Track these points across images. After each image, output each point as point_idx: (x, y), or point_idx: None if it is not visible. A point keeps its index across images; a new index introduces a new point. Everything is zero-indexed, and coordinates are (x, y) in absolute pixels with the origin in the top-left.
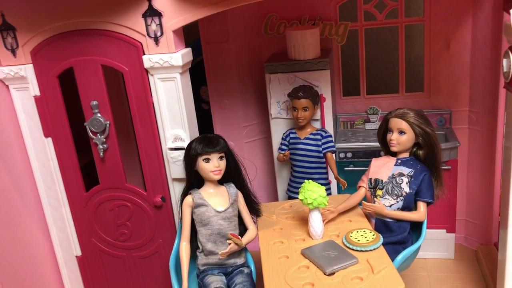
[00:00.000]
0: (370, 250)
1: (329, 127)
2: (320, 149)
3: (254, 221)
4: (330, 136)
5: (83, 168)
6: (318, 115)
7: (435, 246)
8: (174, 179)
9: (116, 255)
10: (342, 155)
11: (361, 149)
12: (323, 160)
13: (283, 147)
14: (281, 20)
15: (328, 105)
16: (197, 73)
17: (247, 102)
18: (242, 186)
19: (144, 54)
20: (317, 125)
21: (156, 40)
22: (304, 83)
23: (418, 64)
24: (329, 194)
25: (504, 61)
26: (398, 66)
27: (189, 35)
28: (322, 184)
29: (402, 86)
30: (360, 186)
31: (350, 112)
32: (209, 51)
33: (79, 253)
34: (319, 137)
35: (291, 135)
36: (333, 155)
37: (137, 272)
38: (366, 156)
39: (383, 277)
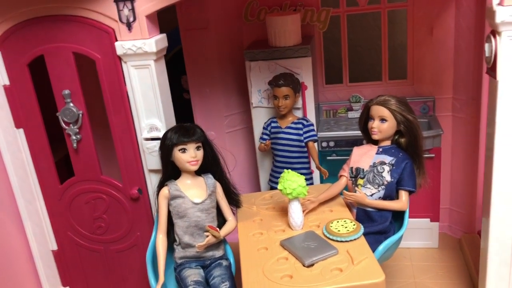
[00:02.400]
0: (351, 240)
1: (311, 116)
2: (302, 138)
3: (234, 212)
4: (312, 125)
5: (62, 160)
6: (299, 104)
7: (419, 235)
8: (151, 171)
9: (93, 248)
10: (324, 144)
11: (344, 138)
12: (305, 149)
13: (264, 136)
14: (261, 6)
15: (310, 93)
16: (178, 62)
17: (229, 91)
18: (220, 176)
19: (116, 40)
20: (299, 113)
21: (129, 25)
22: (285, 70)
23: (402, 51)
24: (311, 183)
25: (486, 46)
26: (381, 53)
27: (169, 23)
28: (304, 174)
29: (385, 74)
30: (341, 175)
31: (333, 101)
32: (188, 38)
33: (55, 247)
34: (300, 126)
35: (272, 124)
36: (315, 144)
37: (115, 266)
38: (348, 145)
39: (363, 268)
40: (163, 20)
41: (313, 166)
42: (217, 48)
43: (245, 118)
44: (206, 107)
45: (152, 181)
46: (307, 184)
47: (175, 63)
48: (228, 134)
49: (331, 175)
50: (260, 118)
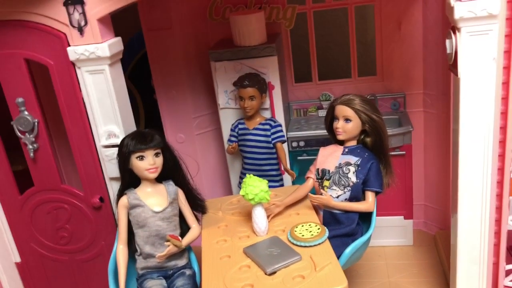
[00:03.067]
0: (315, 245)
1: (280, 116)
2: (270, 139)
3: (199, 219)
4: (280, 125)
5: (25, 170)
6: (267, 104)
7: (393, 233)
8: (112, 178)
9: (58, 259)
10: (294, 144)
11: (314, 137)
12: (274, 150)
13: (232, 138)
14: (226, 4)
15: (277, 93)
16: (147, 63)
17: (196, 92)
18: (182, 183)
19: (69, 45)
20: (267, 114)
21: (81, 30)
22: (251, 70)
23: (371, 48)
24: (281, 185)
25: (447, 42)
26: (350, 50)
27: (137, 25)
28: (273, 175)
29: (355, 71)
30: (308, 177)
31: (303, 99)
32: (152, 39)
33: (18, 259)
34: (268, 127)
35: (240, 126)
36: (283, 145)
37: (82, 276)
38: (319, 145)
39: (326, 274)
40: (130, 22)
41: (283, 167)
42: (183, 48)
43: (214, 120)
44: (174, 109)
45: (114, 189)
46: (277, 186)
47: (144, 64)
48: (197, 136)
49: (302, 176)
50: (228, 119)
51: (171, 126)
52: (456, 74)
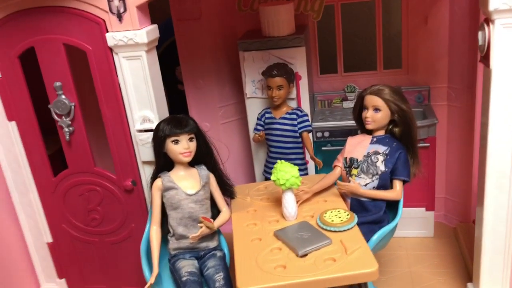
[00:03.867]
0: (344, 230)
1: (306, 106)
2: (296, 128)
3: (228, 204)
4: (306, 115)
5: (57, 153)
6: (294, 94)
7: (414, 224)
8: (144, 162)
9: (88, 241)
10: (319, 134)
11: (339, 128)
12: (299, 140)
13: (258, 127)
14: None
15: (304, 84)
16: (171, 53)
17: (223, 81)
18: (214, 168)
19: (107, 31)
20: (293, 104)
21: (119, 16)
22: (279, 60)
23: (397, 41)
24: (305, 174)
25: (480, 34)
26: (376, 43)
27: (163, 14)
28: (298, 164)
29: (380, 63)
30: (335, 166)
31: (328, 91)
32: (181, 29)
33: (50, 239)
34: (294, 116)
35: (267, 115)
36: (310, 134)
37: (111, 258)
38: (343, 135)
39: (357, 258)
40: (157, 10)
41: (307, 156)
42: (211, 38)
43: (239, 109)
44: (200, 98)
45: (146, 172)
46: (302, 175)
47: (169, 54)
48: (222, 125)
49: (326, 166)
50: (254, 108)
51: (197, 115)
52: (487, 66)
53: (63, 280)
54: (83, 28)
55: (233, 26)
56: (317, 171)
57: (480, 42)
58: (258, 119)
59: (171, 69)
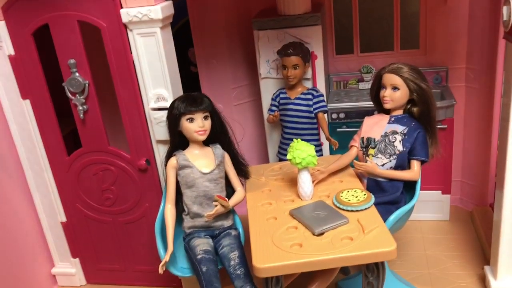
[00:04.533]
0: (361, 210)
1: (321, 87)
2: (311, 109)
3: (242, 183)
4: (322, 95)
5: (70, 134)
6: (309, 74)
7: (430, 207)
8: (159, 141)
9: (102, 220)
10: (334, 115)
11: (354, 109)
12: (315, 120)
13: (273, 107)
14: None
15: (320, 64)
16: (184, 34)
17: (236, 62)
18: (229, 147)
19: (121, 7)
20: (309, 84)
21: None
22: (295, 39)
23: (415, 21)
24: (320, 155)
25: (504, 9)
26: (393, 23)
27: None
28: (313, 145)
29: (397, 43)
30: (352, 146)
31: (343, 71)
32: (194, 7)
33: (64, 219)
34: (310, 96)
35: (281, 95)
36: (325, 115)
37: (125, 237)
38: (359, 117)
39: (374, 237)
40: None
41: (322, 138)
42: (225, 17)
43: (253, 90)
44: (213, 79)
45: (160, 152)
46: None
47: (181, 35)
48: (236, 107)
49: (341, 147)
50: (268, 89)
51: (210, 96)
52: (511, 41)
53: (77, 260)
54: (97, 5)
55: (248, 4)
56: (332, 152)
57: (505, 18)
58: (272, 99)
59: (184, 50)
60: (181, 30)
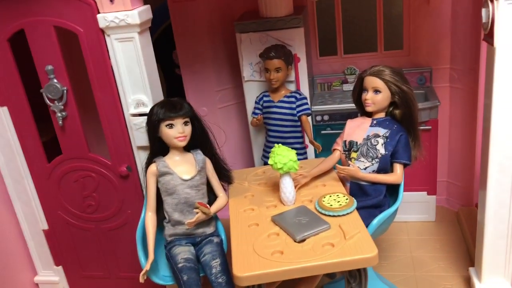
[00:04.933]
0: (343, 215)
1: (305, 89)
2: (295, 112)
3: (225, 189)
4: (305, 98)
5: (51, 141)
6: (292, 77)
7: (416, 208)
8: (139, 147)
9: (84, 227)
10: (318, 118)
11: (338, 111)
12: (298, 123)
13: (256, 111)
14: None
15: (303, 66)
16: (168, 37)
17: (220, 65)
18: (210, 152)
19: (99, 12)
20: (292, 87)
21: None
22: (277, 42)
23: (398, 22)
24: (305, 158)
25: (483, 11)
26: (377, 24)
27: None
28: (297, 148)
29: (381, 44)
30: (334, 149)
31: (327, 73)
32: (176, 10)
33: (46, 226)
34: (293, 99)
35: (265, 98)
36: (309, 118)
37: (108, 244)
38: (343, 119)
39: (356, 242)
40: None
41: (307, 140)
42: (207, 20)
43: (237, 93)
44: (197, 82)
45: (141, 158)
46: (301, 159)
47: (166, 38)
48: (220, 109)
49: (326, 150)
50: (252, 92)
51: (194, 99)
52: (491, 44)
53: (60, 268)
54: (73, 10)
55: (230, 7)
56: (316, 155)
57: (484, 20)
58: (256, 102)
59: (168, 53)
60: (166, 32)
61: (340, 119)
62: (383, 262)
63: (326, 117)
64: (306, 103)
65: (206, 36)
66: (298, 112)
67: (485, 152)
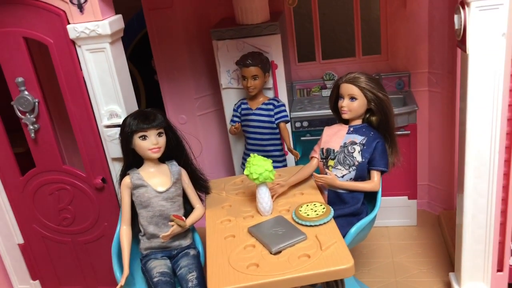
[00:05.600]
0: (320, 224)
1: (283, 96)
2: (273, 119)
3: (202, 199)
4: (283, 105)
5: (27, 152)
6: (270, 84)
7: (397, 213)
8: (114, 159)
9: (60, 241)
10: (298, 124)
11: (317, 117)
12: (277, 131)
13: (235, 118)
14: None
15: (280, 72)
16: (147, 43)
17: (198, 72)
18: (186, 163)
19: (69, 23)
20: (270, 94)
21: (80, 7)
22: (254, 49)
23: (376, 27)
24: (284, 166)
25: (456, 18)
26: (354, 29)
27: (136, 5)
28: (276, 156)
29: (359, 49)
30: (312, 157)
31: (306, 79)
32: (152, 18)
33: (21, 240)
34: (271, 107)
35: (243, 106)
36: (287, 125)
37: (85, 257)
38: (322, 125)
39: (332, 253)
40: (132, 1)
41: (286, 147)
42: (184, 28)
43: (216, 100)
44: (175, 89)
45: (116, 169)
46: (280, 167)
47: (144, 45)
48: (199, 117)
49: (306, 157)
50: (230, 99)
51: (173, 107)
52: (464, 50)
53: (37, 282)
54: (43, 20)
55: (207, 14)
56: (296, 163)
57: (456, 26)
58: (234, 110)
59: (147, 59)
60: (144, 39)
61: (319, 125)
62: (364, 268)
63: (305, 123)
64: (284, 110)
65: (183, 43)
66: (276, 119)
67: (462, 156)
